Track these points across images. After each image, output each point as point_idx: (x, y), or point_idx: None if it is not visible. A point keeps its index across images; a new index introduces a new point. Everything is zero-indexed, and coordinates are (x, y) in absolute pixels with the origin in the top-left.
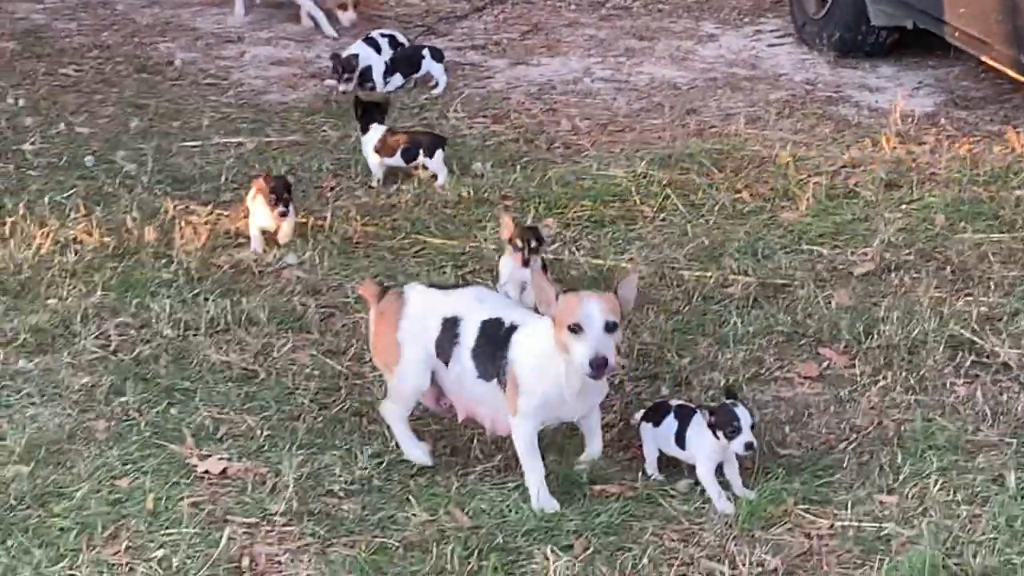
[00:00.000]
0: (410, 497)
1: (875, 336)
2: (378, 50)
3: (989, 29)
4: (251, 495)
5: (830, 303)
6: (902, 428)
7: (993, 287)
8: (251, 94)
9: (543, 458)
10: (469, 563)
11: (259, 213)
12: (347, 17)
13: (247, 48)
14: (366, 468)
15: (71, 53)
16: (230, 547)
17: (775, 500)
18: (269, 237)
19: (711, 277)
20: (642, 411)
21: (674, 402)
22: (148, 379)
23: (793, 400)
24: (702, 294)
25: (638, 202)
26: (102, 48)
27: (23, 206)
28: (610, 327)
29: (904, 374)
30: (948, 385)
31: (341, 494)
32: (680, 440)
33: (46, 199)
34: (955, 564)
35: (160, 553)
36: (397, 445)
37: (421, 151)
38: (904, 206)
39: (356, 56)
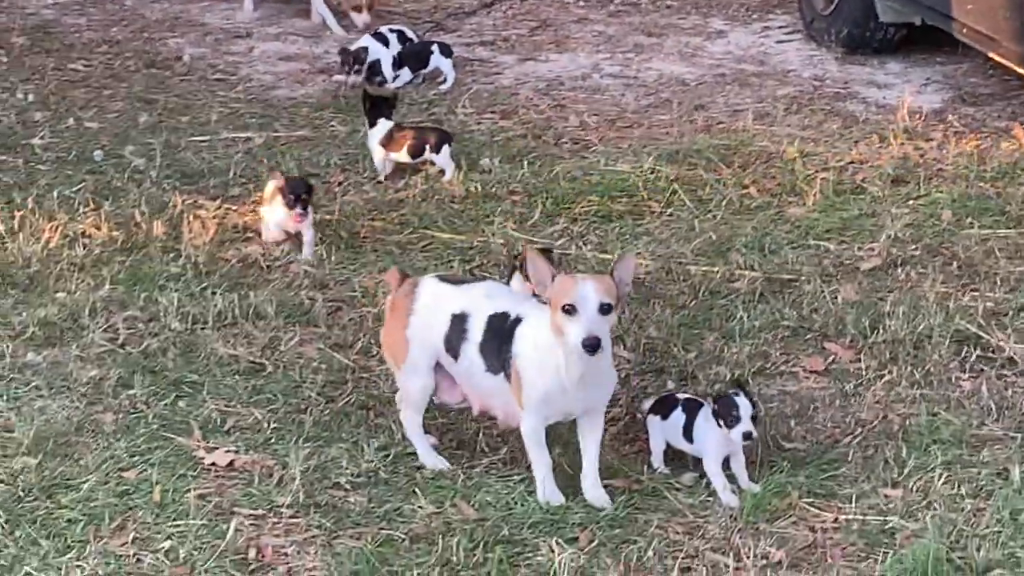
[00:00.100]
0: (416, 490)
1: (881, 331)
2: (386, 44)
3: (997, 26)
4: (258, 487)
5: (836, 298)
6: (907, 422)
7: (999, 282)
8: (260, 89)
9: (550, 451)
10: (475, 555)
11: (277, 213)
12: (361, 19)
13: (256, 44)
14: (372, 461)
15: (80, 48)
16: (237, 539)
17: (780, 493)
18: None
19: (718, 272)
20: (649, 402)
21: (681, 395)
22: (156, 372)
23: (799, 394)
24: (709, 289)
25: (645, 197)
26: (111, 43)
27: (32, 200)
28: (604, 309)
29: (909, 369)
30: (953, 380)
31: (347, 486)
32: (688, 433)
33: (55, 193)
34: (959, 557)
35: (167, 544)
36: (403, 437)
37: (428, 147)
38: (911, 202)
39: (365, 49)
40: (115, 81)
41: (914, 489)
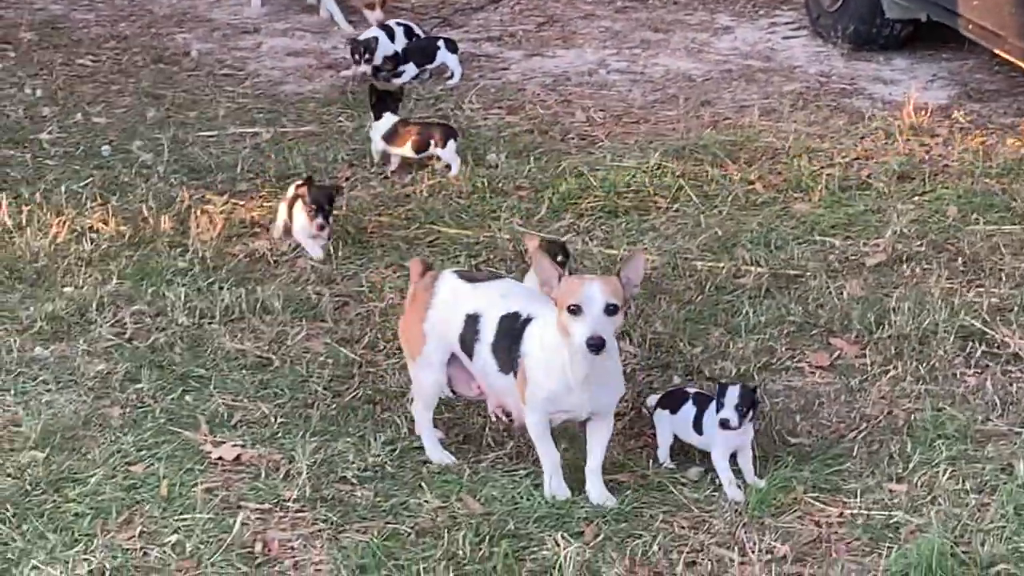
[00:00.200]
0: (422, 484)
1: (886, 326)
2: (392, 37)
3: (1003, 22)
4: (265, 481)
5: (842, 293)
6: (912, 417)
7: (1004, 278)
8: (267, 85)
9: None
10: (480, 549)
11: (298, 218)
12: (375, 16)
13: (263, 39)
14: (379, 455)
15: (88, 43)
16: (243, 532)
17: (785, 488)
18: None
19: (723, 267)
20: (656, 396)
21: (691, 389)
22: (163, 366)
23: (804, 389)
24: (714, 284)
25: (652, 193)
26: (119, 39)
27: (40, 195)
28: (610, 309)
29: (915, 364)
30: (958, 375)
31: (354, 481)
32: (698, 426)
33: (63, 188)
34: (963, 552)
35: (174, 538)
36: (410, 432)
37: (433, 142)
38: (916, 198)
39: (375, 39)
40: (123, 76)
41: (919, 484)
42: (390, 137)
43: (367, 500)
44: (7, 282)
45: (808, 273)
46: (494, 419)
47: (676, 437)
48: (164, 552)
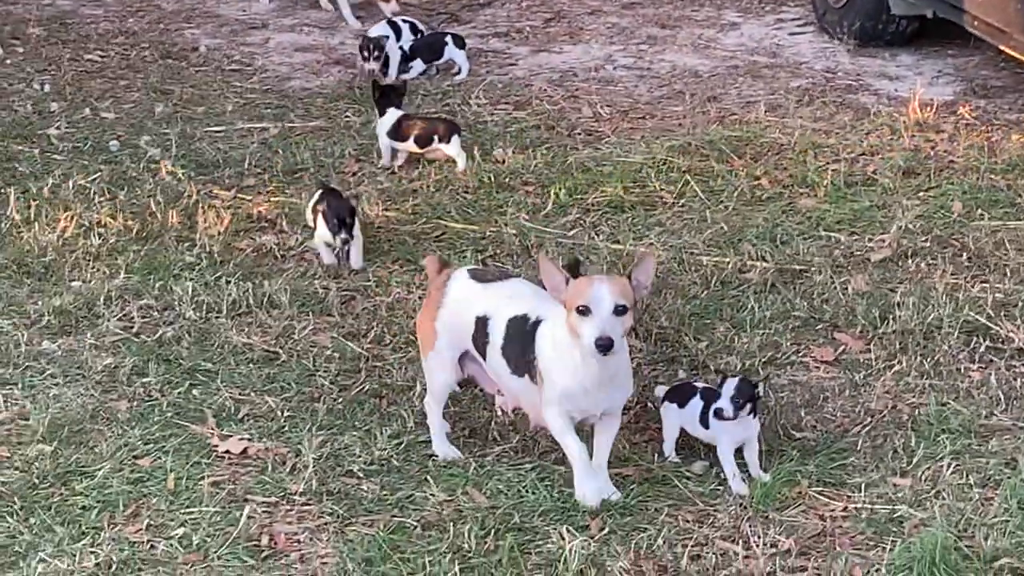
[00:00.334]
0: (428, 477)
1: (891, 321)
2: (398, 35)
3: (1008, 18)
4: (271, 475)
5: (847, 289)
6: (916, 412)
7: (1009, 274)
8: (275, 80)
9: None
10: (486, 542)
11: (321, 228)
12: (390, 8)
13: (271, 35)
14: (385, 449)
15: (96, 39)
16: (250, 526)
17: (790, 482)
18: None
19: (729, 262)
20: (664, 387)
21: (699, 384)
22: (170, 360)
23: (808, 384)
24: (720, 279)
25: (658, 188)
26: (127, 34)
27: (48, 190)
28: (619, 310)
29: (919, 359)
30: (962, 370)
31: (360, 474)
32: (705, 420)
33: (71, 183)
34: (967, 546)
35: (181, 531)
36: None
37: (436, 137)
38: (922, 194)
39: (385, 37)
40: (131, 72)
41: (923, 478)
42: (394, 132)
43: (373, 493)
44: (15, 276)
45: (813, 268)
46: (499, 413)
47: (682, 431)
48: (171, 545)
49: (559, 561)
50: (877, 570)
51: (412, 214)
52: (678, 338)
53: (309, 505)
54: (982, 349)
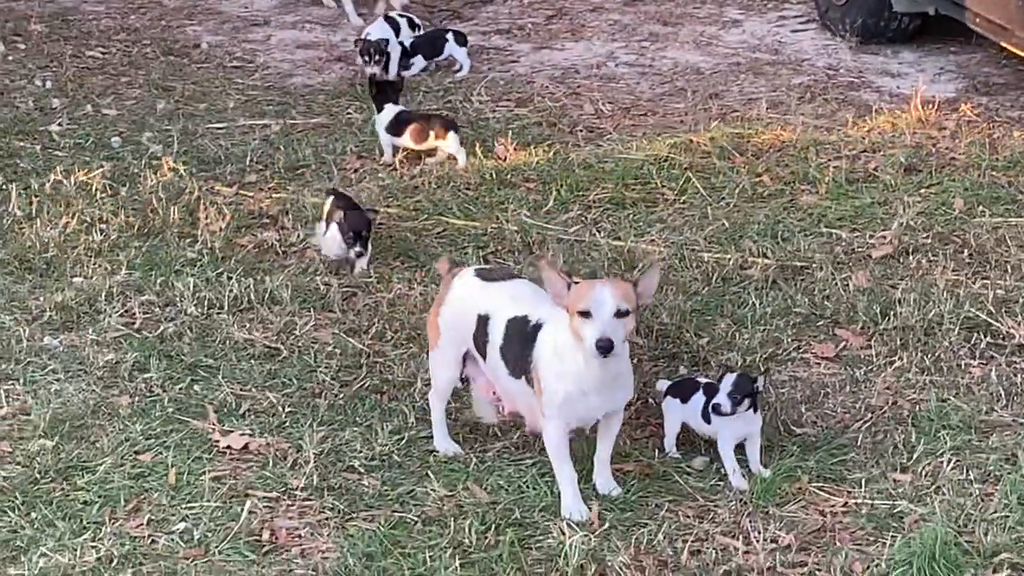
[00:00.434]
0: (429, 473)
1: (892, 318)
2: (397, 31)
3: (1010, 16)
4: (272, 470)
5: (848, 285)
6: (917, 408)
7: (1010, 270)
8: (277, 77)
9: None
10: (486, 538)
11: (334, 236)
12: (399, 1)
13: (273, 31)
14: (386, 444)
15: (98, 36)
16: (251, 521)
17: (790, 477)
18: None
19: (730, 259)
20: (665, 382)
21: (701, 379)
22: (172, 356)
23: (809, 380)
24: (721, 275)
25: (659, 185)
26: (129, 31)
27: (50, 186)
28: (620, 313)
29: (920, 355)
30: (963, 366)
31: (361, 470)
32: (707, 415)
33: (72, 179)
34: (967, 541)
35: (182, 526)
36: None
37: (432, 134)
38: (923, 190)
39: (386, 40)
40: (133, 68)
41: (923, 474)
42: (392, 128)
43: (374, 489)
44: (17, 272)
45: (814, 265)
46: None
47: (684, 427)
48: (172, 540)
49: (559, 556)
50: (877, 565)
51: (413, 210)
52: (679, 334)
53: (310, 500)
54: (983, 345)
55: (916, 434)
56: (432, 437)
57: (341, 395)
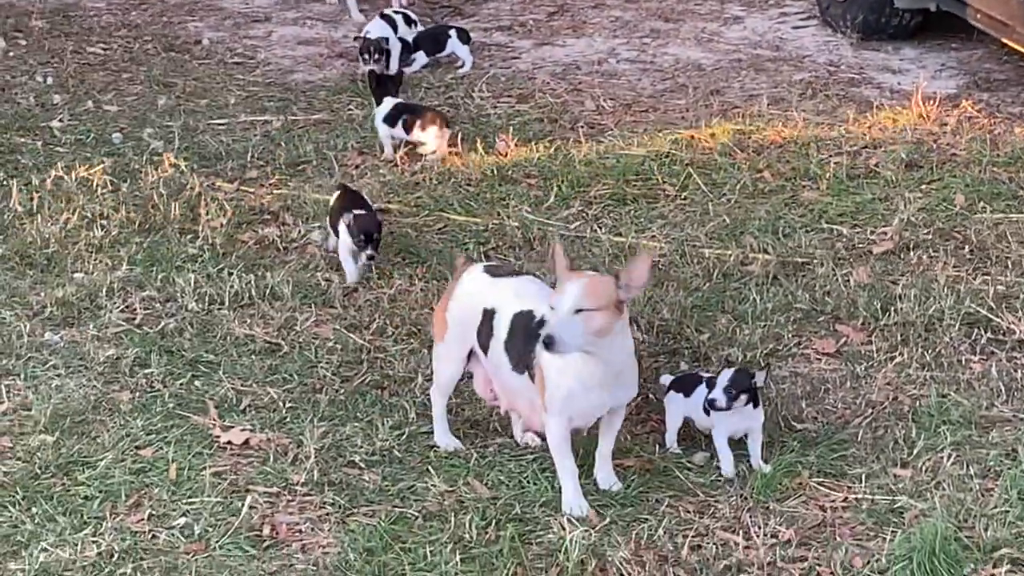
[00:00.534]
0: (430, 468)
1: (892, 313)
2: (394, 28)
3: (1011, 12)
4: (273, 465)
5: (848, 281)
6: (917, 403)
7: (1011, 266)
8: (278, 73)
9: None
10: (487, 533)
11: (344, 238)
12: None
13: (274, 27)
14: (387, 440)
15: (99, 32)
16: (251, 516)
17: (790, 473)
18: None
19: (731, 255)
20: (668, 377)
21: (704, 374)
22: (172, 352)
23: (810, 375)
24: (722, 271)
25: (660, 181)
26: (130, 27)
27: (51, 182)
28: (580, 311)
29: (920, 351)
30: (963, 362)
31: (362, 465)
32: (708, 410)
33: (73, 175)
34: (967, 536)
35: (182, 521)
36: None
37: (419, 124)
38: (924, 186)
39: (386, 39)
40: (134, 64)
41: (923, 469)
42: (389, 119)
43: (374, 484)
44: (18, 268)
45: (815, 260)
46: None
47: (685, 422)
48: (173, 535)
49: (560, 551)
50: (877, 560)
51: (415, 207)
52: (680, 330)
53: (311, 495)
54: (983, 341)
55: (916, 429)
56: (433, 432)
57: (342, 391)
